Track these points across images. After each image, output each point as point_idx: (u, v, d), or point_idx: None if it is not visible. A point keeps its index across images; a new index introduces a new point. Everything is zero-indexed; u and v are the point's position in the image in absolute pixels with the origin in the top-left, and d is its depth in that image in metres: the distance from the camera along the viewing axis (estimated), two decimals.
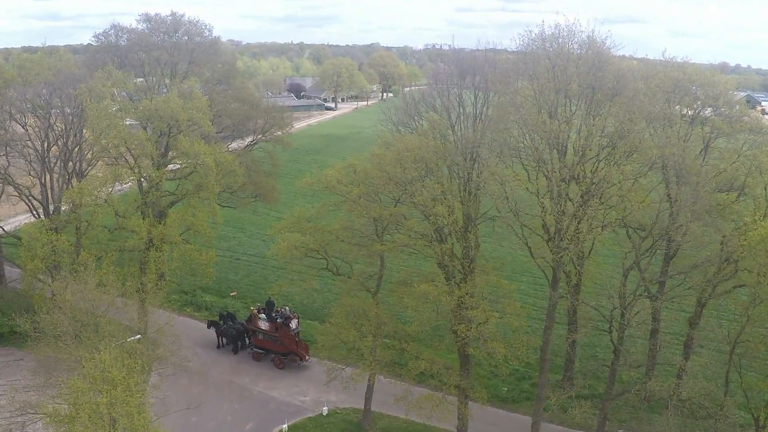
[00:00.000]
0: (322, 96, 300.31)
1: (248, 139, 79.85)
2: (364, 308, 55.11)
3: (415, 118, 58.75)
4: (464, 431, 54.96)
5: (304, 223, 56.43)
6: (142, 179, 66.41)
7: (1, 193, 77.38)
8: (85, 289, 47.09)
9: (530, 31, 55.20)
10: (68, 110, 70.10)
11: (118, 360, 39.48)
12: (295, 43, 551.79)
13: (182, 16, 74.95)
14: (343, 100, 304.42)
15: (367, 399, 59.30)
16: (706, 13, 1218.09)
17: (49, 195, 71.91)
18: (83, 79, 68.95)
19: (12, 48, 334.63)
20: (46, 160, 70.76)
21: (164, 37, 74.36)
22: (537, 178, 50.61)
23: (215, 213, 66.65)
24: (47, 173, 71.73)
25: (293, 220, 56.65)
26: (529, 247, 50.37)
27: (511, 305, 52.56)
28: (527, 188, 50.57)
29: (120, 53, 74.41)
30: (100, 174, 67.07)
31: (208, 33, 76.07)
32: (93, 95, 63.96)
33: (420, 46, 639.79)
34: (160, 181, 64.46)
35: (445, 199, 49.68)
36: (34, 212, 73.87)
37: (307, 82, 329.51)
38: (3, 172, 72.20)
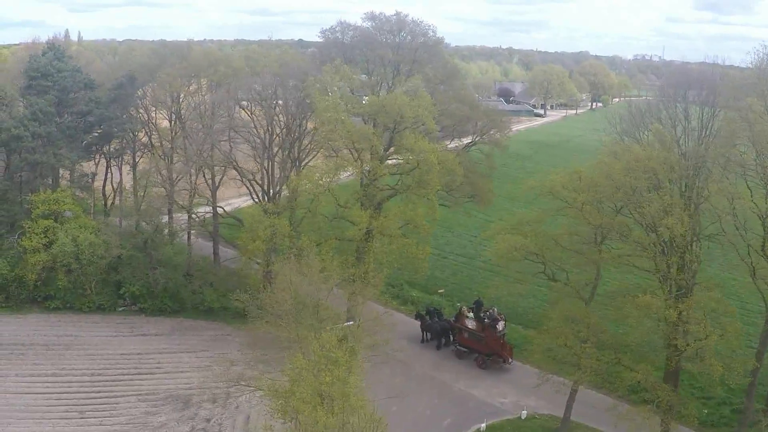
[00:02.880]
0: (531, 102, 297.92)
1: (466, 140, 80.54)
2: (581, 315, 54.23)
3: (641, 128, 57.58)
4: None
5: (524, 227, 56.58)
6: (364, 172, 68.66)
7: (222, 176, 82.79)
8: (309, 273, 49.36)
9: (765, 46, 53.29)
10: (291, 103, 74.15)
11: (342, 342, 41.21)
12: (504, 47, 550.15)
13: (406, 16, 76.86)
14: (552, 107, 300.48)
15: (568, 406, 58.44)
16: None
17: (271, 181, 76.28)
18: (310, 72, 72.57)
19: (224, 40, 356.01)
20: (269, 148, 75.08)
21: (389, 36, 76.49)
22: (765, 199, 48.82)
23: (434, 210, 67.98)
24: (269, 161, 76.22)
25: (514, 223, 57.06)
26: (753, 267, 48.74)
27: (733, 325, 50.24)
28: (751, 207, 49.00)
29: (345, 49, 77.21)
30: (321, 164, 70.40)
31: (432, 33, 77.48)
32: (321, 88, 67.02)
33: (629, 56, 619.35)
34: (382, 174, 66.59)
35: (674, 211, 48.15)
36: (255, 196, 78.72)
37: (517, 88, 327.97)
38: (228, 156, 77.27)
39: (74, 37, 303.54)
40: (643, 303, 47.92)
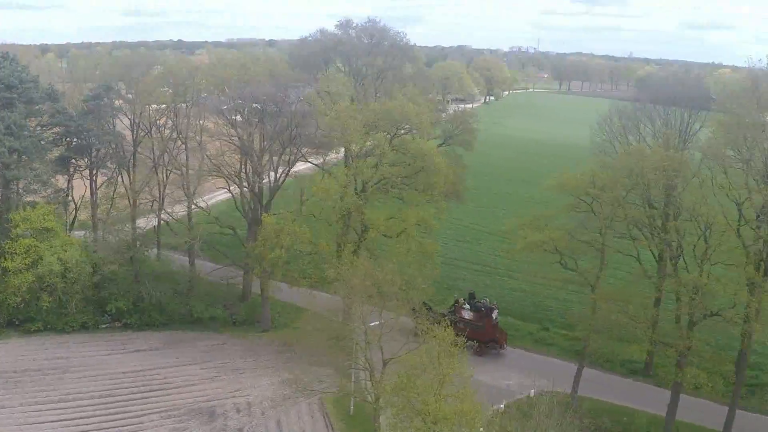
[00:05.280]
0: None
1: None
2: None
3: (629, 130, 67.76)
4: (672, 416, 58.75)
5: (540, 221, 61.49)
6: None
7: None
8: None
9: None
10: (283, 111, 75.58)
11: None
12: None
13: (379, 22, 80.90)
14: (449, 102, 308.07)
15: (575, 382, 63.76)
16: None
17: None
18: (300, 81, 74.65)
19: (101, 43, 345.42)
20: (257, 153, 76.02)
21: (365, 41, 79.77)
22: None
23: (441, 210, 72.63)
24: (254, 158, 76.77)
25: (530, 219, 61.87)
26: None
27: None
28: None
29: (326, 55, 79.88)
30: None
31: (402, 38, 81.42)
32: (323, 96, 69.35)
33: (505, 49, 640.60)
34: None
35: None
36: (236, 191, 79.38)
37: None
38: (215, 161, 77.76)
39: None
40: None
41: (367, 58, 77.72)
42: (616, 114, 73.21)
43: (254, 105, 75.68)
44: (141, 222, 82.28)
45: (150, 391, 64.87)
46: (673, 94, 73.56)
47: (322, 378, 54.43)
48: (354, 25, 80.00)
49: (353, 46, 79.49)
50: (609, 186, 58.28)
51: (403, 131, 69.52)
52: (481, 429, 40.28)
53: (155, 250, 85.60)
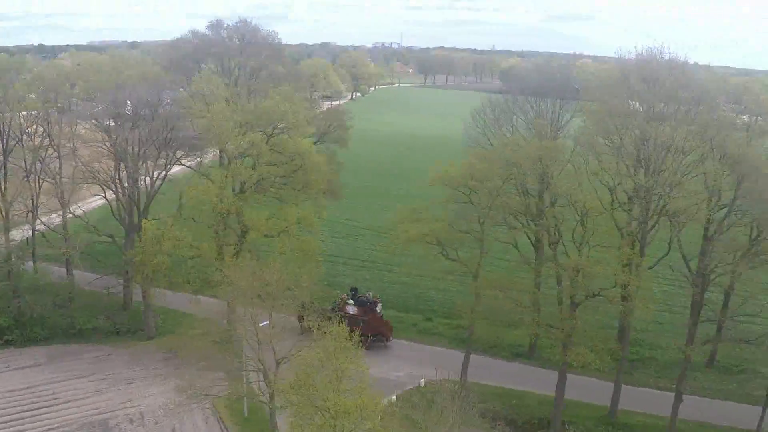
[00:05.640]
0: None
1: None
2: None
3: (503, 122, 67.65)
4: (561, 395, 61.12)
5: (420, 214, 62.20)
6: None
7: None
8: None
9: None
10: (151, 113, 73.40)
11: None
12: None
13: (250, 22, 79.69)
14: (321, 99, 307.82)
15: (464, 369, 65.11)
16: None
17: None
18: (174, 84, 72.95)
19: None
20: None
21: (237, 41, 78.72)
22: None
23: (322, 208, 72.60)
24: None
25: (409, 212, 62.49)
26: None
27: None
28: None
29: (198, 56, 78.33)
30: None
31: (274, 38, 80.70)
32: (197, 97, 67.96)
33: (369, 45, 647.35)
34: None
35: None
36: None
37: None
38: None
39: None
40: None
41: (240, 58, 76.63)
42: (489, 106, 75.02)
43: (127, 110, 73.19)
44: (15, 234, 78.09)
45: (39, 408, 61.92)
46: (542, 85, 76.05)
47: (212, 382, 53.31)
48: (225, 25, 78.98)
49: (225, 46, 78.33)
50: (487, 177, 59.47)
51: (278, 130, 68.72)
52: (378, 419, 40.22)
53: (31, 263, 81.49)
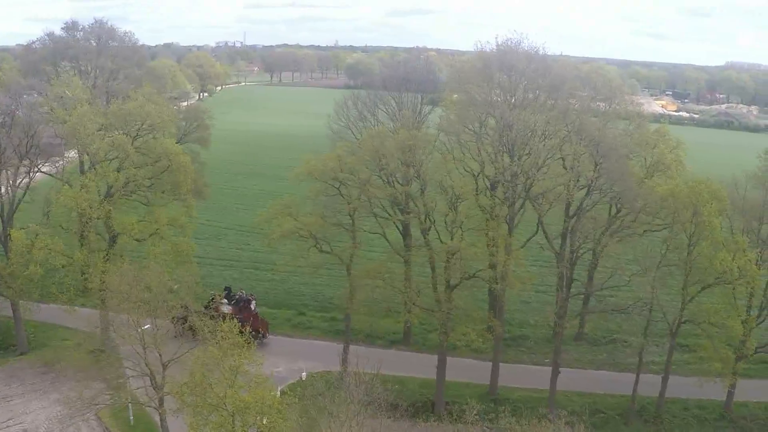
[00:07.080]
0: None
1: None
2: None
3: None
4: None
5: (291, 209, 62.81)
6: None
7: None
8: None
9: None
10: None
11: None
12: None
13: (106, 23, 77.68)
14: (175, 99, 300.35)
15: (344, 359, 66.23)
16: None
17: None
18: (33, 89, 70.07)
19: None
20: None
21: (92, 42, 76.62)
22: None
23: (191, 208, 71.47)
24: None
25: (281, 207, 62.99)
26: None
27: None
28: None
29: (53, 58, 75.71)
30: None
31: (130, 39, 78.89)
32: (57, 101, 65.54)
33: (212, 44, 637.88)
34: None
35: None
36: None
37: None
38: None
39: None
40: None
41: (98, 60, 74.51)
42: (351, 100, 76.47)
43: None
44: None
45: None
46: (406, 78, 77.91)
47: (93, 393, 51.95)
48: (81, 27, 76.50)
49: (82, 48, 75.79)
50: (356, 169, 60.94)
51: (143, 131, 67.45)
52: (276, 413, 40.71)
53: None
